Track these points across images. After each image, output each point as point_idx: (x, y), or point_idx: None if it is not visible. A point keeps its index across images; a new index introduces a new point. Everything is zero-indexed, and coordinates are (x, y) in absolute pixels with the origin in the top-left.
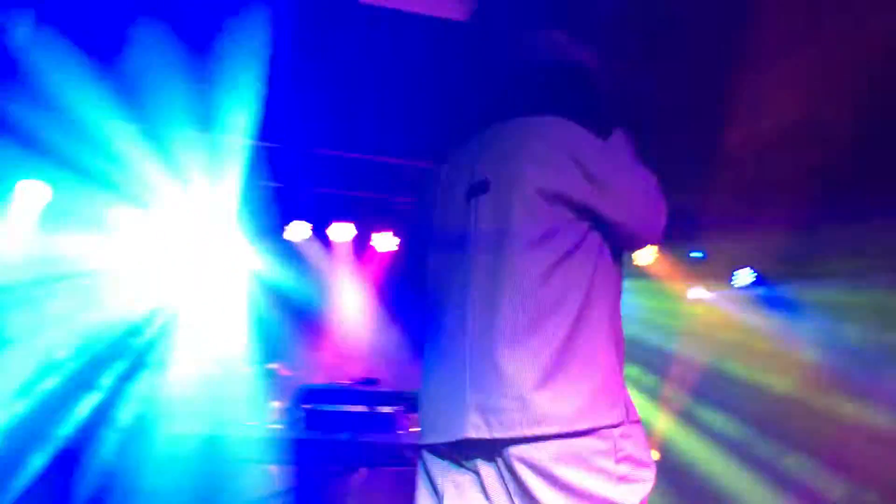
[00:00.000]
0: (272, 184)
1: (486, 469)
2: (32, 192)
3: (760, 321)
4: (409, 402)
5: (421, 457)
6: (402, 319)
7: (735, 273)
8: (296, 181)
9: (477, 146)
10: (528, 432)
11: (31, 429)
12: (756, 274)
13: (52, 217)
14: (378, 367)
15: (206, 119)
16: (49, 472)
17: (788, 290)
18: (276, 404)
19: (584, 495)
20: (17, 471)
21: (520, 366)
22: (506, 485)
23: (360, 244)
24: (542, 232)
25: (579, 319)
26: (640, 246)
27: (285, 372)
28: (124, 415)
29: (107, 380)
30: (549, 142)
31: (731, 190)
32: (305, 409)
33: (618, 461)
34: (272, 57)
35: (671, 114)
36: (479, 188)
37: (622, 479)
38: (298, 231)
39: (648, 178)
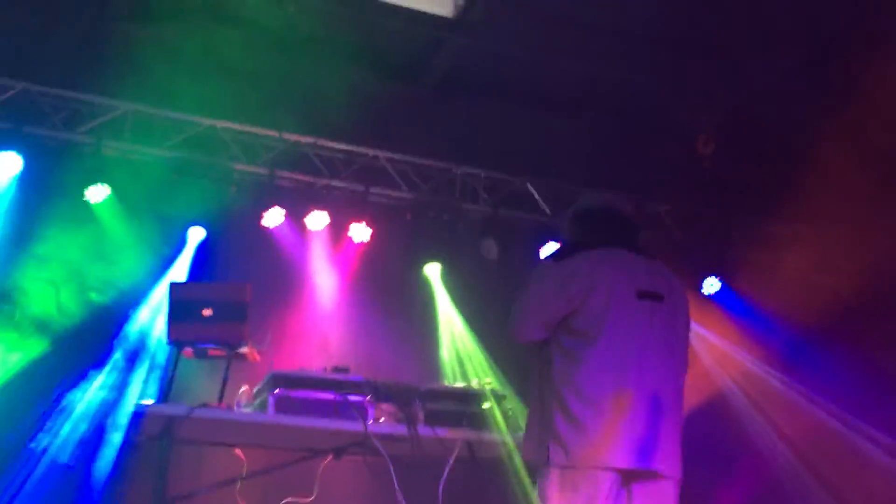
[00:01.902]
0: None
1: (633, 491)
2: None
3: None
4: (378, 391)
5: (596, 475)
6: (373, 310)
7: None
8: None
9: (638, 264)
10: (678, 476)
11: None
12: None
13: None
14: (348, 356)
15: None
16: None
17: None
18: (246, 388)
19: None
20: None
21: (677, 430)
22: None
23: (336, 234)
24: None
25: None
26: None
27: (256, 357)
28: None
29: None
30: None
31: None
32: (276, 395)
33: None
34: None
35: None
36: (653, 296)
37: None
38: (273, 217)
39: None
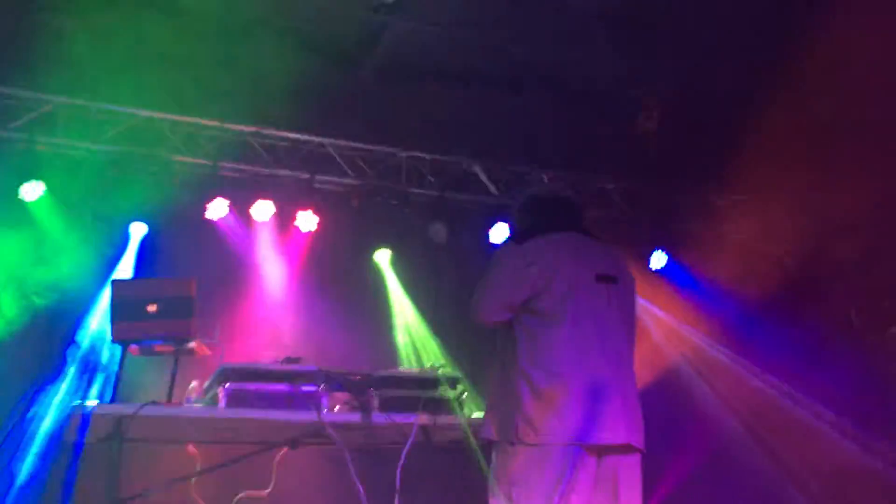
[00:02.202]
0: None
1: (602, 464)
2: None
3: None
4: (331, 380)
5: (562, 450)
6: (323, 298)
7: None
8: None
9: (593, 248)
10: (643, 449)
11: None
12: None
13: None
14: (300, 345)
15: None
16: None
17: None
18: (196, 383)
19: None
20: None
21: (638, 405)
22: (606, 477)
23: (282, 223)
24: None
25: None
26: None
27: (205, 351)
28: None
29: None
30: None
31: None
32: (227, 388)
33: None
34: None
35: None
36: (609, 279)
37: None
38: (217, 209)
39: None
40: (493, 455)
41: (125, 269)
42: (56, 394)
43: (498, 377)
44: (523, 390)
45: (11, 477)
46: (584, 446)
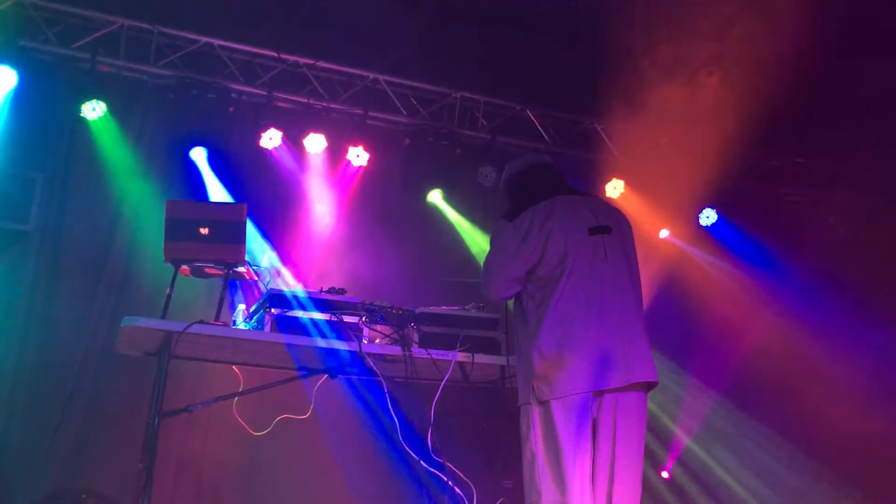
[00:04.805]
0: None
1: (608, 406)
2: None
3: None
4: (373, 313)
5: (568, 401)
6: (370, 233)
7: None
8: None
9: (582, 204)
10: (654, 378)
11: None
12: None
13: None
14: (345, 277)
15: None
16: None
17: None
18: (243, 307)
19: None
20: None
21: (644, 340)
22: (615, 415)
23: (334, 157)
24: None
25: None
26: None
27: (253, 276)
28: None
29: None
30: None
31: None
32: (272, 314)
33: None
34: None
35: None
36: (603, 230)
37: None
38: (271, 138)
39: None
40: (520, 418)
41: (214, 193)
42: None
43: (517, 346)
44: (533, 355)
45: None
46: (593, 393)
